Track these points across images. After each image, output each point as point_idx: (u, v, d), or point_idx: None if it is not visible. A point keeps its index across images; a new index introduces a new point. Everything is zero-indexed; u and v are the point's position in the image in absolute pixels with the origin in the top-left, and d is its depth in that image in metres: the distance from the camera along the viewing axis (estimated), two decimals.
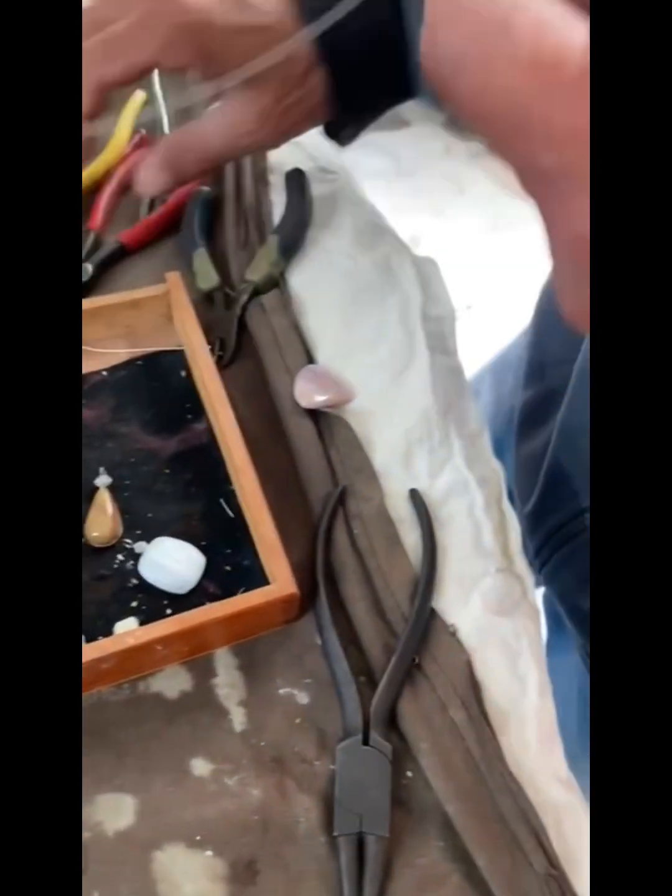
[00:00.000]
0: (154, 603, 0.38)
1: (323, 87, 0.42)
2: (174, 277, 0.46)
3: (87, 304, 0.46)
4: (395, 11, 0.41)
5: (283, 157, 0.54)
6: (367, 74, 0.43)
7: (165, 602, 0.38)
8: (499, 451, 0.44)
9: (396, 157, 2.34)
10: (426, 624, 0.37)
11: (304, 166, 0.53)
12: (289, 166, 0.53)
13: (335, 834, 0.32)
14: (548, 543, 0.48)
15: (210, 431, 0.44)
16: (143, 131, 0.57)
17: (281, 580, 0.36)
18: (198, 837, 0.32)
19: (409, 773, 0.34)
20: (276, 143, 0.46)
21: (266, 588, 0.36)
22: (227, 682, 0.36)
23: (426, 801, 0.33)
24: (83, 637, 0.36)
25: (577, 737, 0.56)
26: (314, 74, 0.42)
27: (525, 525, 0.50)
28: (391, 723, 0.35)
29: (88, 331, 0.46)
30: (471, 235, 2.05)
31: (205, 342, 0.44)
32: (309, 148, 0.55)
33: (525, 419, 0.55)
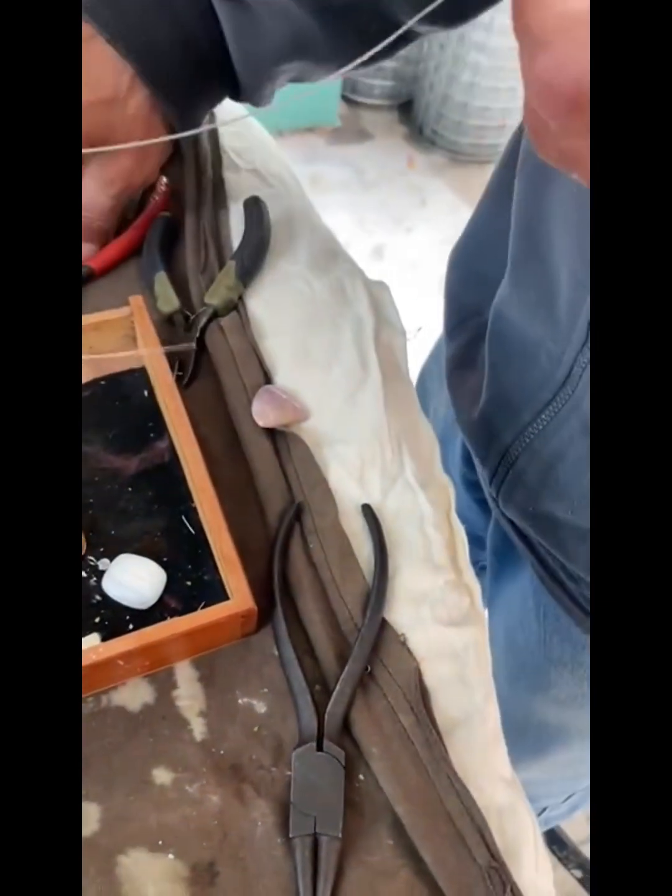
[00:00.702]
0: (117, 618, 0.39)
1: (167, 128, 0.50)
2: (137, 301, 0.47)
3: None
4: (215, 43, 0.47)
5: (241, 185, 0.56)
6: (201, 104, 0.51)
7: (128, 617, 0.39)
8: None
9: (360, 169, 2.38)
10: (378, 634, 0.39)
11: (262, 193, 0.55)
12: (248, 193, 0.54)
13: (291, 835, 0.33)
14: (501, 464, 0.53)
15: (172, 449, 0.46)
16: None
17: (239, 595, 0.38)
18: (160, 842, 0.33)
19: (362, 777, 0.36)
20: (149, 182, 0.54)
21: (225, 603, 0.38)
22: (188, 693, 0.38)
23: (377, 802, 0.35)
24: None
25: (537, 648, 0.60)
26: (156, 121, 0.49)
27: (478, 456, 0.57)
28: (345, 729, 0.36)
29: None
30: (433, 247, 2.09)
31: (166, 363, 0.45)
32: (265, 175, 0.57)
33: (456, 367, 0.61)
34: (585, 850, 1.22)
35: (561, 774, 0.77)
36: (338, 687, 0.37)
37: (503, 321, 0.51)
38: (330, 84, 2.36)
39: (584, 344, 0.42)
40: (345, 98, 2.50)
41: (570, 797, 0.83)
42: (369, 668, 0.38)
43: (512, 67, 2.11)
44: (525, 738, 0.67)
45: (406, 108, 2.53)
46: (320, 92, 2.36)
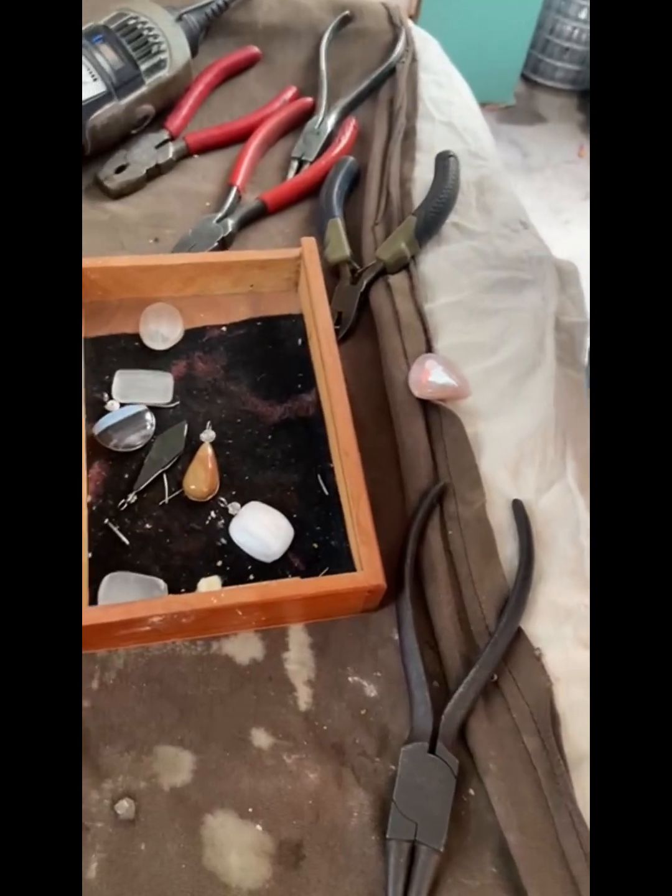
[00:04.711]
0: (239, 566, 0.38)
1: None
2: (309, 243, 0.45)
3: (219, 257, 0.45)
4: None
5: (433, 137, 0.52)
6: None
7: (249, 567, 0.38)
8: None
9: (526, 151, 2.27)
10: (511, 642, 0.35)
11: (455, 148, 0.51)
12: (440, 147, 0.51)
13: (388, 836, 0.31)
14: None
15: (317, 404, 0.43)
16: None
17: (370, 569, 0.35)
18: (250, 809, 0.32)
19: (472, 792, 0.32)
20: None
21: (354, 574, 0.35)
22: (298, 658, 0.36)
23: (485, 823, 0.32)
24: (166, 587, 0.36)
25: None
26: None
27: None
28: (459, 736, 0.33)
29: (215, 285, 0.46)
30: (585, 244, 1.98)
31: (329, 312, 0.43)
32: (461, 130, 0.53)
33: None
34: None
35: None
36: (460, 689, 0.34)
37: None
38: (512, 60, 2.25)
39: None
40: (524, 77, 2.39)
41: None
42: (495, 677, 0.35)
43: None
44: None
45: (587, 96, 2.39)
46: (501, 68, 2.26)
